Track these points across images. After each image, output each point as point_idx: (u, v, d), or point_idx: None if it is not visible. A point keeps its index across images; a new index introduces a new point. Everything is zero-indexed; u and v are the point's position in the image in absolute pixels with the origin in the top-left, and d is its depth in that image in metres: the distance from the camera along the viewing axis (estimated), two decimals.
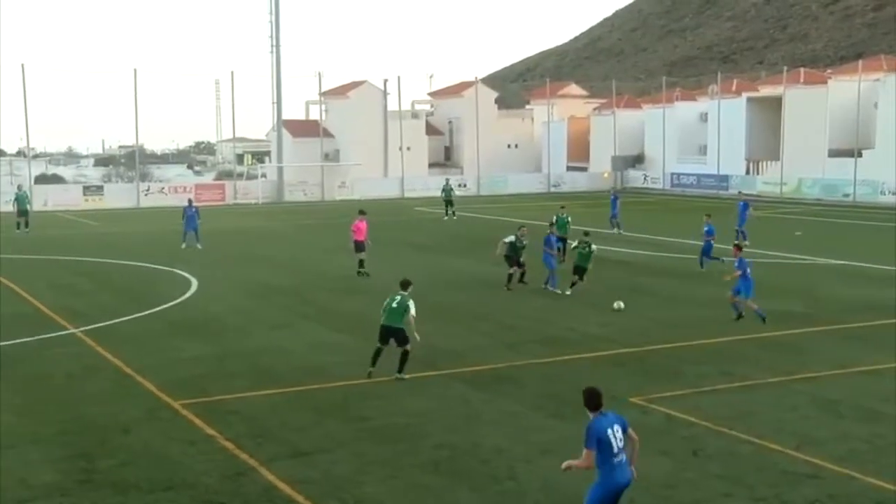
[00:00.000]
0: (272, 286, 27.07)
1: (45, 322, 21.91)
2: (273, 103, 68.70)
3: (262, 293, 26.03)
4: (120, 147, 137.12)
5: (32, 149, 64.90)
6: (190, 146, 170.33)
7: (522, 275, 25.89)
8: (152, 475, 12.05)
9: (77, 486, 11.75)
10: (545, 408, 14.87)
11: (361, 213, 29.57)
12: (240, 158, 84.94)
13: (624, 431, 9.08)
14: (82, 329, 20.92)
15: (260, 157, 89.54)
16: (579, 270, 24.84)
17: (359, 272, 28.23)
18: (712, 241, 29.26)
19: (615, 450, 8.92)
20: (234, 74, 65.55)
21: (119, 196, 61.39)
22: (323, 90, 73.02)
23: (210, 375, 17.05)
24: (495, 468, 12.24)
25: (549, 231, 27.07)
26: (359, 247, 28.59)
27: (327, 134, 73.28)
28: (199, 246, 35.29)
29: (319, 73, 69.36)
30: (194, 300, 24.99)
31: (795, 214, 50.07)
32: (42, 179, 75.57)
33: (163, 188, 64.86)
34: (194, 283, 27.48)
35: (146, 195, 61.10)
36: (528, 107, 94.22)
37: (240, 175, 73.45)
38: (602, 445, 8.88)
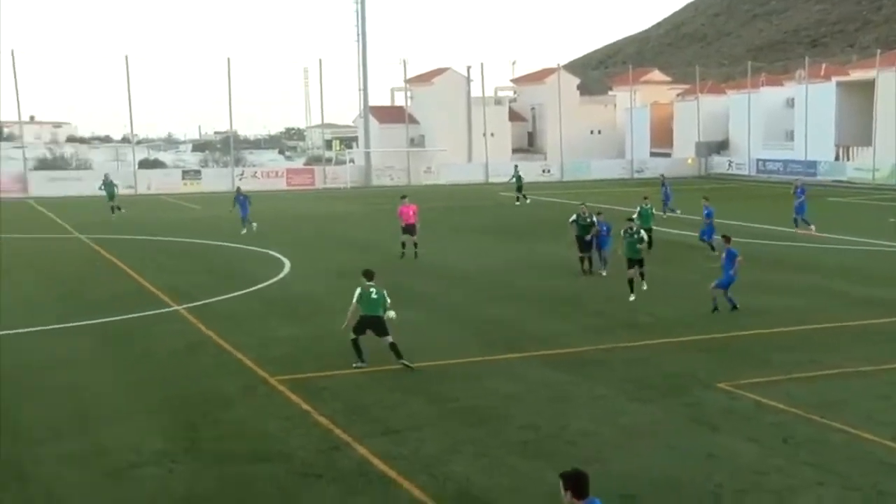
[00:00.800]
0: (360, 268, 27.24)
1: (151, 299, 22.53)
2: (360, 90, 69.27)
3: (351, 275, 26.15)
4: (215, 133, 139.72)
5: (136, 135, 66.62)
6: (281, 132, 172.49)
7: (590, 262, 25.61)
8: (251, 447, 12.31)
9: (183, 453, 12.11)
10: (632, 391, 14.70)
11: (403, 197, 29.89)
12: (328, 144, 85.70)
13: None
14: (185, 307, 21.45)
15: (348, 142, 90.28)
16: (634, 263, 22.05)
17: (415, 253, 28.53)
18: (712, 223, 29.45)
19: None
20: (322, 62, 66.22)
21: (215, 180, 62.62)
22: (408, 77, 73.26)
23: (304, 353, 17.33)
24: (582, 450, 12.15)
25: (599, 218, 26.23)
26: (409, 230, 28.73)
27: (412, 120, 73.54)
28: (254, 226, 35.43)
29: (404, 61, 69.73)
30: (288, 280, 25.40)
31: (889, 201, 48.37)
32: (145, 164, 77.58)
33: (256, 172, 65.99)
34: (287, 264, 27.93)
35: (240, 179, 62.07)
36: (610, 93, 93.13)
37: (329, 160, 74.28)
38: None
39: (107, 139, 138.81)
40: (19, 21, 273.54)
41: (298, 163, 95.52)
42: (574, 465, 11.59)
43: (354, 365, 15.94)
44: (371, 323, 15.89)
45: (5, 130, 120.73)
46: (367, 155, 69.17)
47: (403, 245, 28.77)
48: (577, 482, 7.02)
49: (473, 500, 10.64)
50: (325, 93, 71.72)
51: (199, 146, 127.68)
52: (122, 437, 12.68)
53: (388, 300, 16.11)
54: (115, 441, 12.55)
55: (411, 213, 28.91)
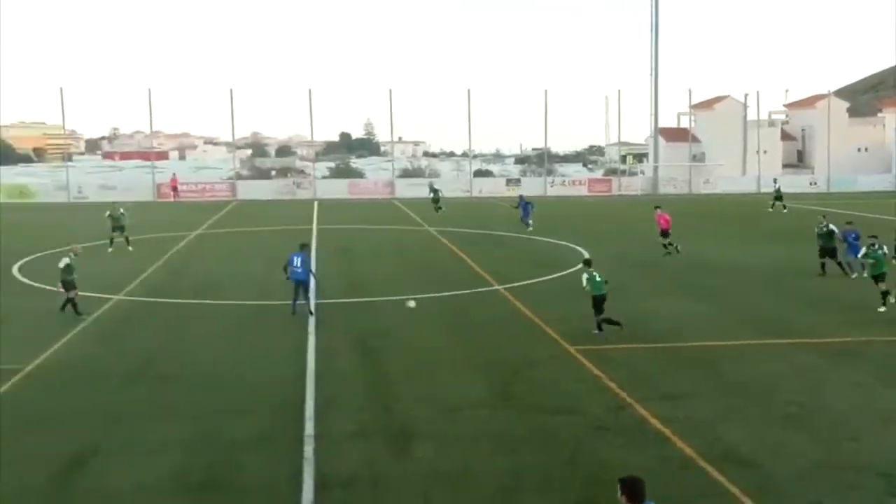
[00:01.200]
0: (646, 261, 26.58)
1: (478, 279, 23.39)
2: (651, 115, 67.47)
3: (637, 265, 25.66)
4: (533, 149, 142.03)
5: (472, 150, 69.61)
6: (584, 148, 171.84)
7: (841, 266, 23.10)
8: (553, 401, 12.45)
9: (499, 401, 12.52)
10: (890, 380, 13.14)
11: (657, 207, 29.08)
12: (623, 159, 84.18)
13: None
14: (504, 286, 22.03)
15: (639, 157, 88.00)
16: (877, 280, 18.86)
17: (667, 250, 27.51)
18: None
19: None
20: (620, 92, 65.37)
21: (531, 186, 63.38)
22: (692, 103, 70.20)
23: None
24: (840, 428, 11.07)
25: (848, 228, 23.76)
26: (665, 233, 28.09)
27: (695, 139, 70.46)
28: (530, 224, 35.21)
29: (689, 90, 66.98)
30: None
31: None
32: (478, 173, 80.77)
33: (563, 181, 66.38)
34: (585, 255, 27.72)
35: (551, 186, 62.88)
36: (879, 115, 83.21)
37: (623, 172, 73.06)
38: None
39: (451, 154, 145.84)
40: (393, 68, 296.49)
41: (598, 174, 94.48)
42: (831, 441, 10.59)
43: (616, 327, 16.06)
44: (598, 301, 16.21)
45: (381, 148, 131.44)
46: (656, 168, 67.29)
47: (664, 245, 28.04)
48: (632, 487, 6.21)
49: (738, 461, 10.04)
50: (621, 117, 70.76)
51: (520, 159, 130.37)
52: (455, 384, 13.33)
53: (608, 282, 16.45)
54: (450, 386, 13.23)
55: (663, 220, 28.21)
